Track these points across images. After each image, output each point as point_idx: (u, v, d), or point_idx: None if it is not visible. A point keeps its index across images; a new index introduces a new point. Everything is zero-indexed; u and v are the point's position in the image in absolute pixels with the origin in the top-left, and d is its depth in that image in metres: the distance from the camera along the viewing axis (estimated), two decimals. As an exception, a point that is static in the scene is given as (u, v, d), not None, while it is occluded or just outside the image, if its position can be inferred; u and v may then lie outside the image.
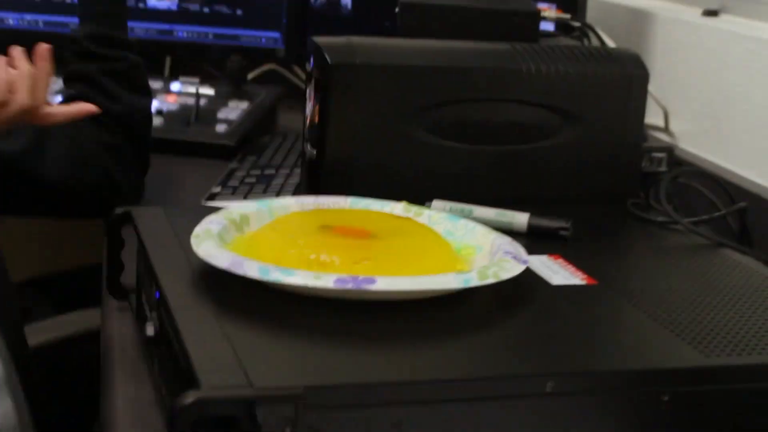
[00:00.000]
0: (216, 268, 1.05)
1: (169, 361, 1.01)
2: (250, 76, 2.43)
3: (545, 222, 1.33)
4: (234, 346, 0.92)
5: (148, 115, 1.75)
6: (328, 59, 1.39)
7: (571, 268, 1.20)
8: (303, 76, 2.59)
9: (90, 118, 1.60)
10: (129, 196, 1.66)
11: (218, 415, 0.83)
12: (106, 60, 1.70)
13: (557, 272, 1.18)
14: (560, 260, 1.22)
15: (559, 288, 1.14)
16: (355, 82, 1.41)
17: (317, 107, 1.43)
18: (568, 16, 1.73)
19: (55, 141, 1.62)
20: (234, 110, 2.18)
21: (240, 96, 2.26)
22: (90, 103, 1.58)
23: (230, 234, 1.16)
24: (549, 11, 1.72)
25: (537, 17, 1.60)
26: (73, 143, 1.63)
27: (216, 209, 1.23)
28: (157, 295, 1.08)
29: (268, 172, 1.87)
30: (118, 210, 1.29)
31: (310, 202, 1.26)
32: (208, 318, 0.99)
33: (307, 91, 1.48)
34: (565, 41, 1.65)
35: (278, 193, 1.76)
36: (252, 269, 1.02)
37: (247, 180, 1.83)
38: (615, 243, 1.39)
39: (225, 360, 0.89)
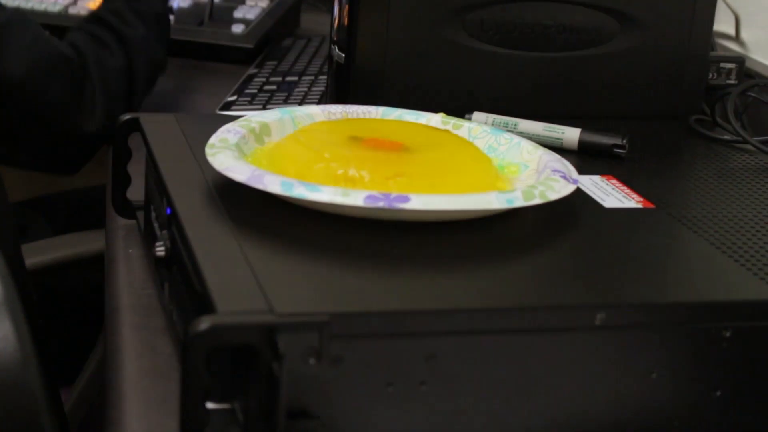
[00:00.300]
0: (234, 181, 1.06)
1: (181, 284, 1.02)
2: None
3: (598, 138, 1.34)
4: (253, 268, 0.93)
5: (157, 62, 1.78)
6: None
7: (626, 190, 1.20)
8: None
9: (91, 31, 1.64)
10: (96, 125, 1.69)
11: (236, 343, 0.84)
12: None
13: (610, 194, 1.18)
14: (614, 181, 1.23)
15: (612, 211, 1.14)
16: None
17: (347, 6, 1.43)
18: None
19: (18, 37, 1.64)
20: (252, 8, 2.17)
21: None
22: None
23: (249, 144, 1.16)
24: None
25: None
26: (37, 42, 1.66)
27: (233, 118, 1.24)
28: (168, 211, 1.08)
29: (290, 78, 1.87)
30: (125, 116, 1.29)
31: (337, 110, 1.26)
32: (225, 236, 0.99)
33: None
34: None
35: (301, 103, 1.75)
36: (274, 184, 1.02)
37: (267, 87, 1.83)
38: (675, 163, 1.38)
39: (243, 283, 0.90)
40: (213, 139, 1.14)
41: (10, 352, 0.82)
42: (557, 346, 0.92)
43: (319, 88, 1.83)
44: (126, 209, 1.33)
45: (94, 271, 1.56)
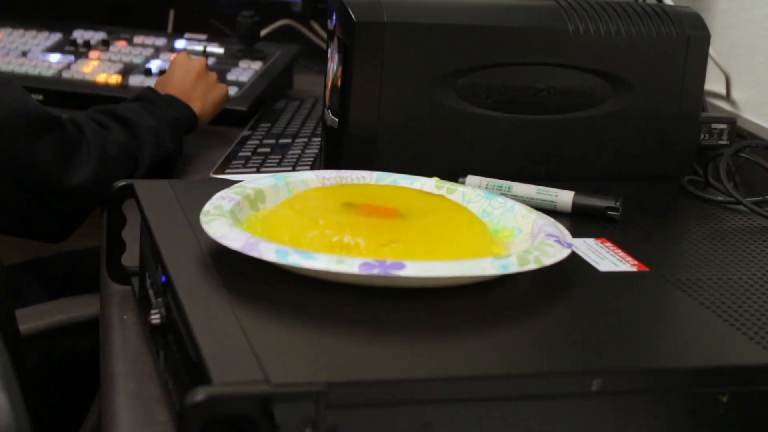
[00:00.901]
0: (229, 249, 1.05)
1: (176, 353, 1.02)
2: (263, 32, 2.43)
3: (592, 201, 1.34)
4: (249, 337, 0.92)
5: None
6: (353, 16, 1.40)
7: (621, 253, 1.20)
8: (321, 32, 2.63)
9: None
10: None
11: (232, 413, 0.83)
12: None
13: (605, 257, 1.19)
14: (608, 244, 1.23)
15: (607, 275, 1.14)
16: (382, 43, 1.41)
17: (340, 70, 1.43)
18: None
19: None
20: (246, 71, 2.18)
21: (252, 55, 2.26)
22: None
23: (244, 211, 1.16)
24: None
25: None
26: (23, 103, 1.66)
27: (228, 183, 1.24)
28: (164, 278, 1.08)
29: (283, 141, 1.88)
30: (119, 183, 1.29)
31: (331, 176, 1.26)
32: (221, 305, 0.99)
33: (329, 51, 1.48)
34: None
35: (295, 166, 1.76)
36: (269, 252, 1.02)
37: (261, 150, 1.83)
38: (668, 225, 1.39)
39: (239, 352, 0.89)
40: (208, 206, 1.14)
41: (4, 424, 0.81)
42: (554, 412, 0.92)
43: (312, 150, 1.83)
44: (120, 275, 1.32)
45: (88, 336, 1.55)
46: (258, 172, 1.73)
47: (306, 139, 1.89)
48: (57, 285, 1.93)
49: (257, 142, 1.88)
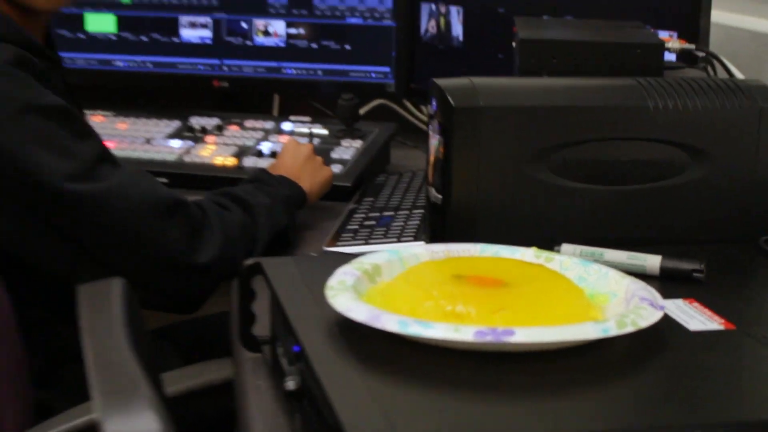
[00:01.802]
0: (354, 321, 1.07)
1: (313, 416, 1.03)
2: (361, 112, 2.43)
3: (678, 264, 1.33)
4: (380, 403, 0.94)
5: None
6: (452, 102, 1.40)
7: (708, 312, 1.19)
8: (414, 110, 2.63)
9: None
10: None
11: None
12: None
13: (693, 317, 1.18)
14: (695, 304, 1.22)
15: (697, 334, 1.14)
16: (479, 125, 1.41)
17: (441, 151, 1.44)
18: (692, 46, 1.74)
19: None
20: (348, 149, 2.20)
21: (353, 134, 2.28)
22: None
23: (363, 285, 1.17)
24: (672, 41, 1.72)
25: (661, 49, 1.60)
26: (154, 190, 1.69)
27: (341, 255, 1.27)
28: (296, 348, 1.10)
29: (387, 214, 1.88)
30: (248, 261, 1.30)
31: (440, 249, 1.27)
32: (351, 372, 1.01)
33: (429, 133, 1.49)
34: (690, 73, 1.64)
35: (399, 237, 1.76)
36: (391, 323, 1.04)
37: (367, 223, 1.84)
38: (750, 283, 1.38)
39: (372, 417, 0.91)
40: (332, 281, 1.15)
41: None
42: None
43: (414, 222, 1.82)
44: (252, 344, 1.31)
45: (221, 399, 1.57)
46: (366, 244, 1.73)
47: (407, 212, 1.88)
48: (187, 349, 1.96)
49: (363, 215, 1.88)
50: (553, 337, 1.03)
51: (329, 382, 0.98)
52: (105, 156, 1.65)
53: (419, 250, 1.26)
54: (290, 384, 1.09)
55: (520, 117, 1.43)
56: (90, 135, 1.66)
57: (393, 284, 1.17)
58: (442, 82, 1.44)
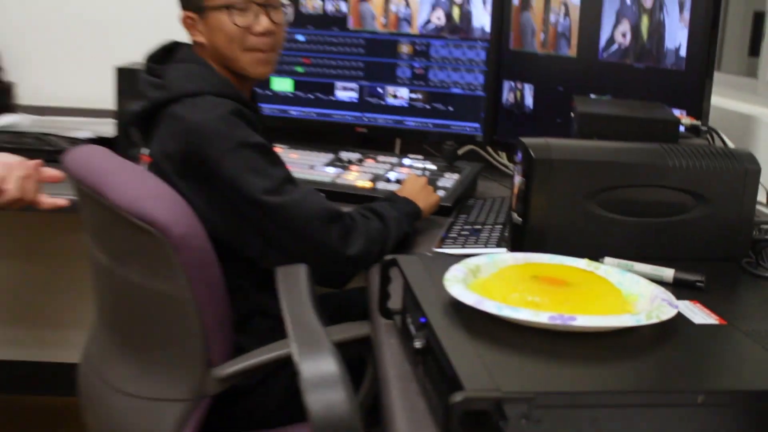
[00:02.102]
0: (464, 303, 1.09)
1: (433, 368, 1.04)
2: (459, 153, 2.41)
3: (686, 276, 1.32)
4: (482, 359, 0.96)
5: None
6: (533, 155, 1.40)
7: (707, 311, 1.19)
8: (494, 154, 2.62)
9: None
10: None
11: (476, 409, 0.87)
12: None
13: (697, 314, 1.18)
14: (698, 305, 1.22)
15: (700, 326, 1.14)
16: (551, 172, 1.41)
17: (523, 188, 1.43)
18: (697, 122, 1.72)
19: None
20: (449, 180, 2.19)
21: (452, 170, 2.27)
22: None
23: (469, 278, 1.18)
24: (683, 118, 1.70)
25: (677, 124, 1.57)
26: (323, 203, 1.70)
27: (450, 256, 1.28)
28: (423, 320, 1.11)
29: (476, 227, 1.87)
30: (387, 257, 1.31)
31: (521, 257, 1.27)
32: (462, 338, 1.02)
33: (514, 174, 1.48)
34: (696, 141, 1.61)
35: (486, 244, 1.74)
36: (491, 307, 1.06)
37: (462, 233, 1.83)
38: (736, 292, 1.36)
39: (479, 371, 0.93)
40: (448, 275, 1.16)
41: (351, 414, 0.86)
42: (673, 417, 0.93)
43: (496, 234, 1.81)
44: (387, 314, 1.32)
45: (358, 349, 1.57)
46: (462, 247, 1.72)
47: (491, 226, 1.87)
48: (332, 313, 1.98)
49: (459, 227, 1.87)
50: (602, 323, 1.04)
51: (448, 344, 1.00)
52: (289, 178, 1.68)
53: (506, 257, 1.27)
54: (417, 344, 1.10)
55: (579, 167, 1.42)
56: (280, 163, 1.68)
57: (489, 280, 1.18)
58: (526, 140, 1.43)
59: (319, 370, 0.88)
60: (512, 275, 1.18)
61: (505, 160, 2.62)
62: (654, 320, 1.05)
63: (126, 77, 2.43)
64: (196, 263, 1.53)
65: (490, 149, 2.62)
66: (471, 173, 2.26)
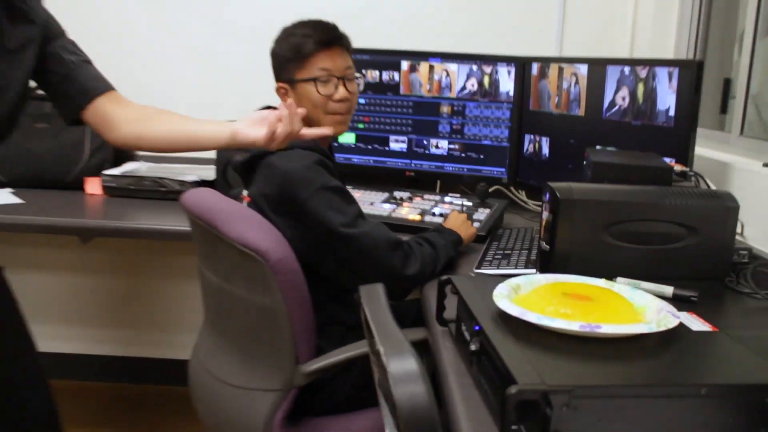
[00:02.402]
0: (510, 315, 1.10)
1: (487, 367, 1.05)
2: (490, 190, 2.40)
3: (683, 292, 1.33)
4: (528, 358, 0.98)
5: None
6: (559, 196, 1.42)
7: (702, 320, 1.20)
8: (516, 193, 2.61)
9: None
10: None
11: (527, 399, 0.88)
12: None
13: (694, 323, 1.18)
14: (694, 315, 1.22)
15: (697, 332, 1.14)
16: (573, 209, 1.42)
17: (550, 222, 1.44)
18: (686, 168, 1.72)
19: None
20: (482, 213, 2.19)
21: (484, 205, 2.27)
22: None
23: (512, 294, 1.19)
24: (675, 165, 1.71)
25: (671, 171, 1.59)
26: (388, 234, 1.69)
27: (491, 276, 1.32)
28: (477, 327, 1.12)
29: (507, 251, 1.87)
30: (444, 277, 1.31)
31: (552, 278, 1.27)
32: (511, 343, 1.03)
33: (542, 212, 1.49)
34: (686, 183, 1.63)
35: (516, 266, 1.73)
36: (532, 318, 1.07)
37: (496, 257, 1.83)
38: (722, 304, 1.36)
39: (527, 369, 0.94)
40: (495, 291, 1.17)
41: (430, 402, 0.87)
42: (681, 405, 0.93)
43: (523, 258, 1.80)
44: (443, 322, 1.33)
45: (418, 350, 1.56)
46: (497, 269, 1.71)
47: (519, 251, 1.86)
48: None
49: (493, 252, 1.87)
50: (622, 330, 1.05)
51: (500, 347, 1.01)
52: (360, 213, 1.69)
53: (540, 278, 1.27)
54: (473, 347, 1.11)
55: (595, 205, 1.43)
56: (353, 201, 1.70)
57: (528, 296, 1.18)
58: (553, 184, 1.44)
59: (403, 367, 0.88)
60: (547, 292, 1.19)
61: (524, 197, 2.62)
62: (662, 328, 1.06)
63: None
64: (288, 282, 1.54)
65: (513, 189, 2.61)
66: (499, 208, 2.26)
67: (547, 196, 1.45)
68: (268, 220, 1.62)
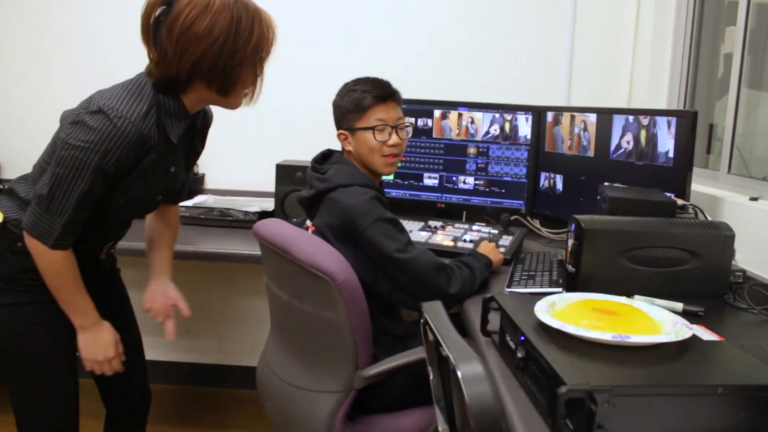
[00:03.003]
0: (550, 326, 1.14)
1: (534, 371, 1.09)
2: (512, 219, 2.43)
3: (691, 307, 1.36)
4: (571, 362, 1.01)
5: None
6: (583, 226, 1.45)
7: (710, 331, 1.23)
8: (533, 222, 2.64)
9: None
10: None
11: (574, 397, 0.92)
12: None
13: (703, 333, 1.22)
14: (703, 327, 1.26)
15: (707, 341, 1.17)
16: (596, 237, 1.45)
17: (575, 248, 1.47)
18: (686, 202, 1.75)
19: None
20: (506, 240, 2.22)
21: (508, 233, 2.29)
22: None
23: (549, 309, 1.22)
24: (677, 199, 1.73)
25: (674, 204, 1.62)
26: (434, 259, 1.71)
27: (522, 295, 1.36)
28: (522, 338, 1.15)
29: (531, 273, 1.89)
30: (487, 295, 1.34)
31: (581, 296, 1.30)
32: (555, 351, 1.07)
33: (568, 239, 1.51)
34: (687, 215, 1.65)
35: (541, 285, 1.74)
36: (571, 329, 1.11)
37: (522, 277, 1.84)
38: (724, 319, 1.38)
39: (572, 372, 0.98)
40: (536, 307, 1.20)
41: (495, 401, 0.88)
42: (700, 402, 0.96)
43: (546, 278, 1.78)
44: (486, 333, 1.34)
45: None
46: (525, 287, 1.73)
47: (541, 273, 1.88)
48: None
49: (519, 273, 1.89)
50: (647, 340, 1.08)
51: (546, 354, 1.04)
52: (410, 241, 1.74)
53: (572, 296, 1.30)
54: (519, 354, 1.15)
55: (614, 234, 1.46)
56: (404, 230, 1.74)
57: (564, 311, 1.22)
58: (579, 217, 1.47)
59: (472, 371, 0.90)
60: (579, 308, 1.22)
61: (538, 225, 2.65)
62: (680, 338, 1.10)
63: (282, 170, 2.52)
64: (352, 299, 1.59)
65: (529, 218, 2.63)
66: (520, 235, 2.29)
67: (573, 226, 1.49)
68: (331, 246, 1.66)
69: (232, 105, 1.48)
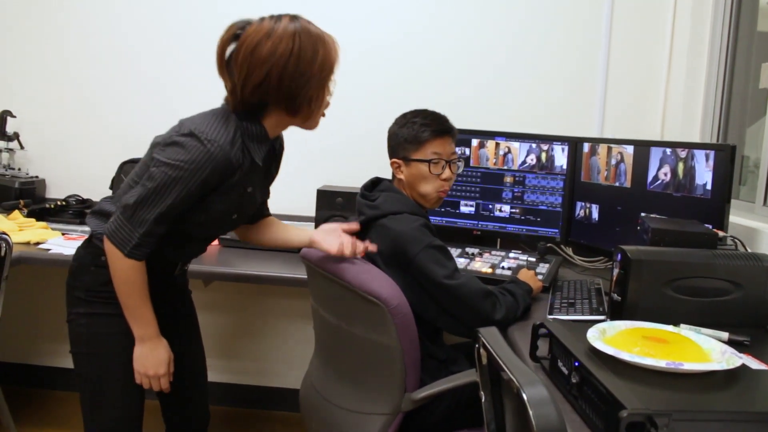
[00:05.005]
0: (602, 352, 1.17)
1: (589, 395, 1.12)
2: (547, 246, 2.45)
3: (737, 337, 1.39)
4: (627, 384, 1.05)
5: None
6: (630, 257, 1.48)
7: (758, 361, 1.26)
8: (568, 251, 2.67)
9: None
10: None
11: (635, 421, 0.95)
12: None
13: (751, 363, 1.25)
14: (750, 356, 1.29)
15: (755, 370, 1.21)
16: (641, 267, 1.48)
17: (621, 278, 1.50)
18: (727, 234, 1.77)
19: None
20: (543, 267, 2.24)
21: (545, 260, 2.32)
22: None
23: (600, 336, 1.26)
24: (718, 232, 1.77)
25: (717, 236, 1.65)
26: (480, 286, 1.73)
27: (566, 321, 1.38)
28: (576, 363, 1.18)
29: (570, 301, 1.91)
30: (537, 322, 1.38)
31: (630, 323, 1.34)
32: (611, 376, 1.10)
33: (613, 269, 1.54)
34: (727, 246, 1.68)
35: (582, 313, 1.77)
36: (625, 356, 1.15)
37: (563, 304, 1.87)
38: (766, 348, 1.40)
39: (631, 397, 1.01)
40: (589, 334, 1.24)
41: (560, 421, 0.92)
42: (752, 428, 0.99)
43: (585, 305, 1.79)
44: (536, 359, 1.37)
45: None
46: (566, 315, 1.76)
47: (581, 300, 1.90)
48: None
49: (559, 300, 1.91)
50: (699, 367, 1.12)
51: (604, 379, 1.08)
52: (457, 268, 1.78)
53: (621, 324, 1.33)
54: (574, 379, 1.18)
55: (659, 265, 1.49)
56: (451, 257, 1.78)
57: (615, 338, 1.26)
58: (625, 247, 1.51)
59: (538, 394, 0.94)
60: (629, 335, 1.26)
61: (571, 253, 2.68)
62: (731, 366, 1.14)
63: (323, 195, 2.57)
64: (403, 323, 1.63)
65: (563, 247, 2.67)
66: (556, 263, 2.32)
67: (619, 256, 1.53)
68: (381, 271, 1.72)
69: (310, 126, 1.56)
